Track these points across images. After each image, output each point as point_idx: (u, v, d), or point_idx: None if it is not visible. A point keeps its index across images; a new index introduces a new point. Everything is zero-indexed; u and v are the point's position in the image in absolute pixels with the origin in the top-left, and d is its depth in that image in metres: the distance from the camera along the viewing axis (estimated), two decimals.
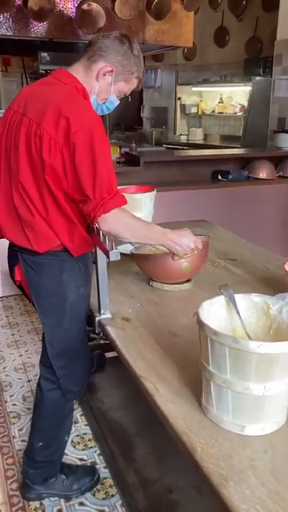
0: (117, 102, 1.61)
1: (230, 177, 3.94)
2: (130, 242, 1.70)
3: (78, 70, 1.52)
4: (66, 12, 3.74)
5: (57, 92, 1.45)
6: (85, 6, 3.60)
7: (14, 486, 1.87)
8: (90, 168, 1.34)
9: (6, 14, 3.52)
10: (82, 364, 1.67)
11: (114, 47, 1.49)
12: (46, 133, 1.36)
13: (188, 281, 1.79)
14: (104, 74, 1.51)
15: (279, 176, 4.14)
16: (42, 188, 1.41)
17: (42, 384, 1.66)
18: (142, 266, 1.80)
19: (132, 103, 6.85)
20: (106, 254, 1.40)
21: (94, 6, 3.60)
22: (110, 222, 1.39)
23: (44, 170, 1.37)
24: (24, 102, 1.48)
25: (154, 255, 1.74)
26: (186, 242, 1.59)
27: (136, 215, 1.52)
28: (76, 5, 3.67)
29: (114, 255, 1.38)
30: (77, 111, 1.37)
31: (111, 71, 1.50)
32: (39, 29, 3.69)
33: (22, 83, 7.40)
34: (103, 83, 1.52)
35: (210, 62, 6.53)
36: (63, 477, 1.80)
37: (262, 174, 4.07)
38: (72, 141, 1.33)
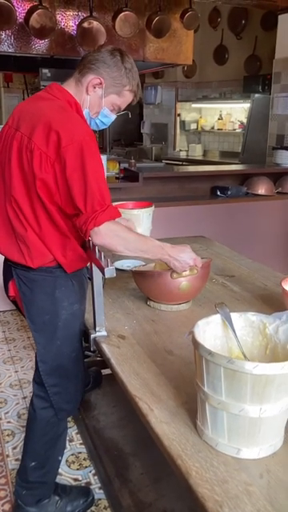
0: (112, 117, 1.59)
1: (229, 193, 3.95)
2: (134, 258, 1.63)
3: (70, 85, 1.53)
4: (67, 30, 3.80)
5: (49, 106, 1.45)
6: (85, 24, 3.66)
7: (7, 507, 1.82)
8: (80, 181, 1.33)
9: (8, 31, 3.59)
10: (74, 382, 1.63)
11: (103, 60, 1.49)
12: (37, 147, 1.36)
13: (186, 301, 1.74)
14: (94, 87, 1.50)
15: (278, 192, 4.16)
16: (34, 202, 1.41)
17: (35, 402, 1.63)
18: (140, 283, 1.74)
19: (132, 119, 6.92)
20: (102, 270, 1.38)
21: (95, 24, 3.65)
22: (102, 234, 1.37)
23: (36, 184, 1.37)
24: (17, 117, 1.48)
25: (152, 272, 1.69)
26: (185, 257, 1.55)
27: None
28: (77, 23, 3.73)
29: (110, 272, 1.35)
30: (67, 125, 1.37)
31: (100, 83, 1.50)
32: (40, 46, 3.74)
33: (24, 99, 7.52)
34: (94, 96, 1.52)
35: (210, 79, 6.61)
36: (57, 498, 1.76)
37: (261, 191, 4.08)
38: (62, 155, 1.33)
